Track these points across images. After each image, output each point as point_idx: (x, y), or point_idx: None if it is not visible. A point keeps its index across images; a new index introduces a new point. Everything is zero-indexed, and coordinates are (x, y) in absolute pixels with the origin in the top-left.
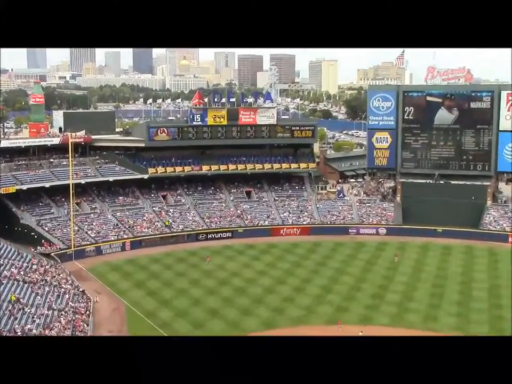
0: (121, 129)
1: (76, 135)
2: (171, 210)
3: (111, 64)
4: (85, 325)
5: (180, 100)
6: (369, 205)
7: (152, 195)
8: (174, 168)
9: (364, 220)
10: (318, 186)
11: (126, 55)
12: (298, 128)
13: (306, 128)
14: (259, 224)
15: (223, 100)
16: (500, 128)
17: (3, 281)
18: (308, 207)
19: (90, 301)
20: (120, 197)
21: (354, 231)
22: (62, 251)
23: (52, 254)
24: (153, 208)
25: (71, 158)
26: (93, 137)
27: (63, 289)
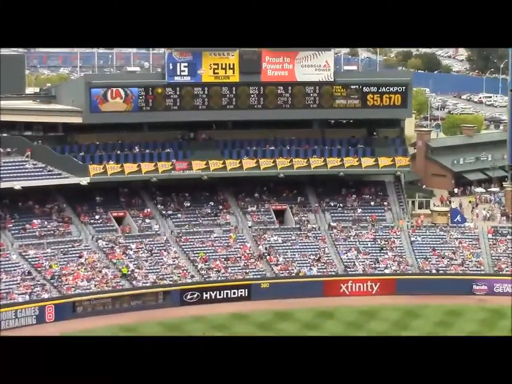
0: (37, 90)
1: None
2: (132, 246)
3: None
4: None
5: None
6: None
7: (97, 216)
8: (139, 166)
9: (503, 266)
10: (413, 202)
11: None
12: (375, 89)
13: (391, 89)
14: (300, 274)
15: None
16: None
17: None
18: (393, 241)
19: None
20: (34, 220)
21: (485, 287)
22: None
23: None
24: (99, 242)
25: None
26: None
27: None
